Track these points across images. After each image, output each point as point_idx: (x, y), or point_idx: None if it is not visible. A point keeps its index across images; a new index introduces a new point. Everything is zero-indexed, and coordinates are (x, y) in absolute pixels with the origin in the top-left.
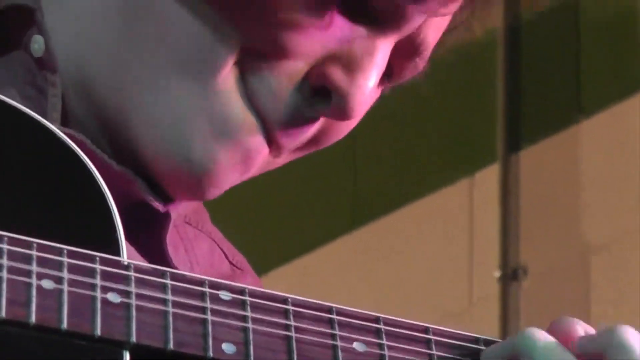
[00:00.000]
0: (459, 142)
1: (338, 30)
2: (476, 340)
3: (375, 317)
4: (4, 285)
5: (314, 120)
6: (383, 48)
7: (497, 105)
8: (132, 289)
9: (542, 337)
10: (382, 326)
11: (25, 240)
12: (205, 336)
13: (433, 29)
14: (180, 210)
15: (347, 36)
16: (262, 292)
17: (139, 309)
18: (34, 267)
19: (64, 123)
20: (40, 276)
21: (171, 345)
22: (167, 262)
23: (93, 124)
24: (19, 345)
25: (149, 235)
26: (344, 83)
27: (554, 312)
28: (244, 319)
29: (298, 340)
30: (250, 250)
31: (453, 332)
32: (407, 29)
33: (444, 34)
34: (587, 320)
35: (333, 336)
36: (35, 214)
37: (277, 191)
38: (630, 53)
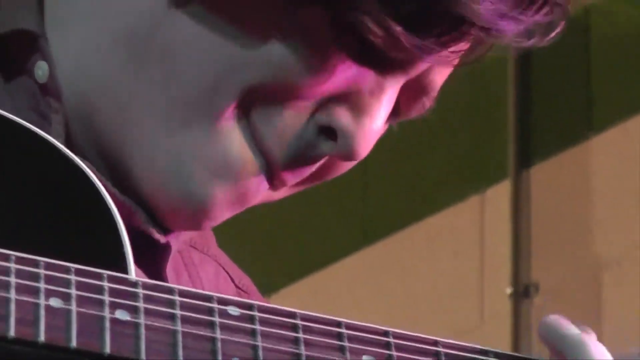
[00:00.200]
0: (469, 159)
1: (346, 71)
2: (485, 353)
3: (384, 330)
4: (13, 305)
5: (318, 158)
6: (390, 90)
7: (507, 121)
8: (141, 306)
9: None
10: (391, 339)
11: (32, 259)
12: (214, 352)
13: (442, 70)
14: (183, 239)
15: (355, 78)
16: (270, 307)
17: (148, 326)
18: (42, 286)
19: (67, 147)
20: (48, 295)
21: None
22: None
23: (93, 152)
24: None
25: (149, 265)
26: (350, 125)
27: None
28: (252, 334)
29: (307, 355)
30: (261, 268)
31: (462, 345)
32: (415, 72)
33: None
34: (599, 337)
35: (342, 349)
36: (43, 233)
37: (289, 209)
38: None
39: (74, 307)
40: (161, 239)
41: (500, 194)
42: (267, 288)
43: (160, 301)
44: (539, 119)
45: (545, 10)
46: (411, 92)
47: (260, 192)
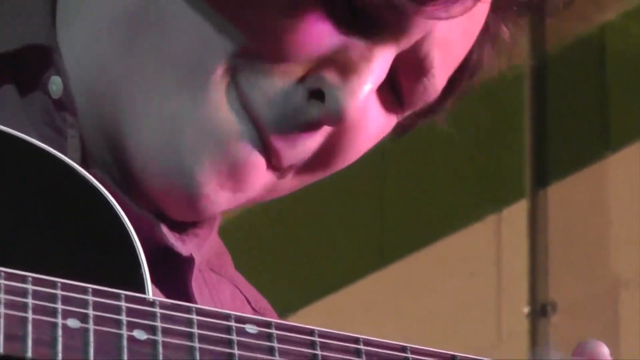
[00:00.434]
0: (486, 178)
1: (334, 36)
2: None
3: (402, 346)
4: (30, 326)
5: (311, 127)
6: (381, 56)
7: (524, 140)
8: (158, 325)
9: None
10: (409, 355)
11: (49, 280)
12: None
13: (438, 46)
14: (204, 254)
15: (344, 42)
16: (288, 325)
17: (166, 345)
18: (59, 306)
19: (84, 163)
20: (65, 315)
21: None
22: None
23: (109, 160)
24: None
25: (174, 280)
26: (337, 83)
27: None
28: (270, 351)
29: None
30: (279, 289)
31: (478, 359)
32: (405, 39)
33: (464, 70)
34: (616, 355)
35: None
36: (61, 254)
37: (306, 229)
38: None
39: (91, 327)
40: (183, 251)
41: (517, 213)
42: (286, 309)
43: (178, 320)
44: (555, 138)
45: None
46: (408, 68)
47: (256, 167)
